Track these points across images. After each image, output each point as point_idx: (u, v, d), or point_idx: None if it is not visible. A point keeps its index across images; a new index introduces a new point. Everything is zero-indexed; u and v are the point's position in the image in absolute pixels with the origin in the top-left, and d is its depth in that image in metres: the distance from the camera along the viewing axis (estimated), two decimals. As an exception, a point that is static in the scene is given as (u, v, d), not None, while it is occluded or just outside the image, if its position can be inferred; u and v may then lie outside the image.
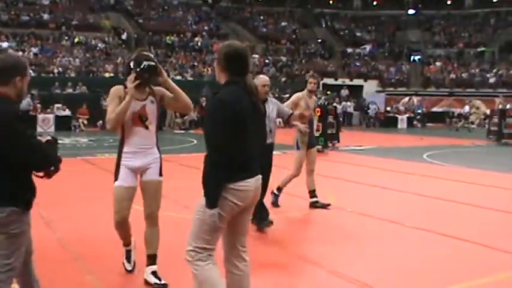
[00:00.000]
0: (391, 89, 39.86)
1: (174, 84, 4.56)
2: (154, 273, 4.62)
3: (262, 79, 6.63)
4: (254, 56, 38.97)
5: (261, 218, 6.59)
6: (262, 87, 6.45)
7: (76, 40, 33.86)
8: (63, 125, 24.05)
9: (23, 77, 3.29)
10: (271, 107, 6.84)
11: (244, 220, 3.63)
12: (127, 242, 4.91)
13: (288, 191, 8.34)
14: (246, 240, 3.71)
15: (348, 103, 33.26)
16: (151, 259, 4.66)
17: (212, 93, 3.52)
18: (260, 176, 3.60)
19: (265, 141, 4.74)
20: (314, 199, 8.23)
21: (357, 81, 39.87)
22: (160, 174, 4.63)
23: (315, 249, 6.01)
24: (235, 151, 3.38)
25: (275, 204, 8.12)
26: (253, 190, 3.49)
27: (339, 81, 39.26)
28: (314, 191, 8.28)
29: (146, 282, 4.64)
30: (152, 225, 4.62)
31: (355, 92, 37.73)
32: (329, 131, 17.52)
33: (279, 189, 8.26)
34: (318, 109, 17.31)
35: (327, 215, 7.86)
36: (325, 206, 8.14)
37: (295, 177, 8.14)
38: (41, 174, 3.28)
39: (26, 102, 23.63)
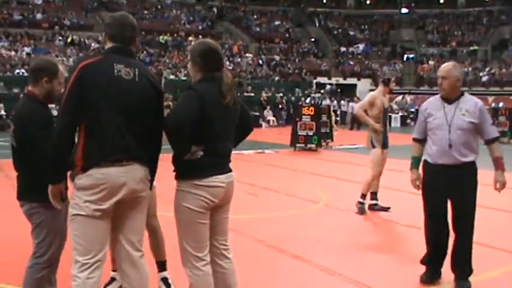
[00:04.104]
0: (385, 87, 39.87)
1: None
2: (164, 279, 4.49)
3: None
4: (247, 55, 38.99)
5: (461, 276, 4.78)
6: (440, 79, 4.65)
7: (69, 40, 33.76)
8: (57, 124, 23.91)
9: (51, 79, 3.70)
10: (464, 107, 4.60)
11: (219, 219, 3.62)
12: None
13: (285, 190, 8.34)
14: (227, 239, 3.70)
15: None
16: (161, 265, 4.52)
17: (185, 88, 3.52)
18: (233, 174, 3.59)
19: (236, 143, 3.71)
20: (374, 201, 7.85)
21: (350, 80, 39.92)
22: None
23: (309, 248, 6.02)
24: (205, 148, 3.40)
25: (362, 212, 7.67)
26: (224, 187, 3.49)
27: (333, 80, 39.32)
28: (376, 193, 7.84)
29: None
30: (153, 233, 4.43)
31: (349, 91, 37.77)
32: (323, 130, 17.55)
33: (364, 196, 7.70)
34: (312, 108, 17.40)
35: (320, 213, 7.88)
36: (385, 209, 7.77)
37: (375, 178, 7.68)
38: None
39: None
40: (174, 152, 3.47)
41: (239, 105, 3.62)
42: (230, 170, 3.59)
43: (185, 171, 3.45)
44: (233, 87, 3.54)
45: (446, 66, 4.71)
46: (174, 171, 3.52)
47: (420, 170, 4.90)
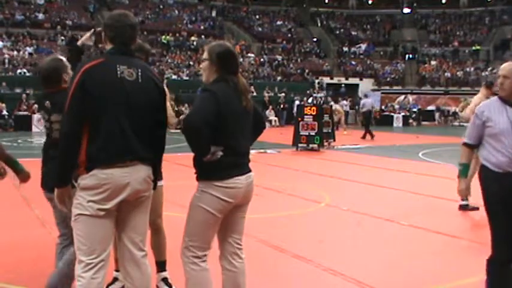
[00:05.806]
0: (387, 87, 39.95)
1: None
2: (164, 279, 4.51)
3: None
4: (250, 55, 39.00)
5: None
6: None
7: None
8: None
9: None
10: None
11: (236, 218, 3.64)
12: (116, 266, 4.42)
13: (287, 190, 8.33)
14: (242, 239, 3.72)
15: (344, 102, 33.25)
16: (160, 266, 4.53)
17: (202, 89, 3.53)
18: (252, 174, 3.60)
19: (251, 142, 3.73)
20: (465, 202, 7.76)
21: (352, 80, 39.92)
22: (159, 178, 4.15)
23: (311, 247, 6.02)
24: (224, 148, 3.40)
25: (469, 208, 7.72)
26: (243, 187, 3.50)
27: (335, 80, 39.33)
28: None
29: None
30: (156, 233, 4.44)
31: (351, 90, 37.80)
32: (325, 130, 17.52)
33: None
34: (314, 108, 17.40)
35: (322, 214, 7.88)
36: (475, 208, 7.61)
37: (471, 177, 6.78)
38: None
39: None
40: (194, 154, 3.47)
41: (253, 106, 3.63)
42: (249, 170, 3.60)
43: (205, 172, 3.45)
44: (247, 90, 3.58)
45: (510, 65, 4.13)
46: (195, 173, 3.52)
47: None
